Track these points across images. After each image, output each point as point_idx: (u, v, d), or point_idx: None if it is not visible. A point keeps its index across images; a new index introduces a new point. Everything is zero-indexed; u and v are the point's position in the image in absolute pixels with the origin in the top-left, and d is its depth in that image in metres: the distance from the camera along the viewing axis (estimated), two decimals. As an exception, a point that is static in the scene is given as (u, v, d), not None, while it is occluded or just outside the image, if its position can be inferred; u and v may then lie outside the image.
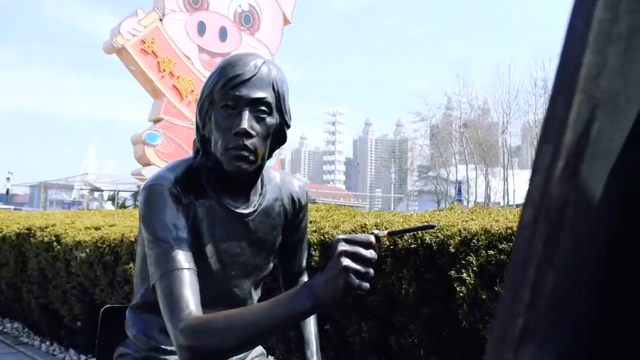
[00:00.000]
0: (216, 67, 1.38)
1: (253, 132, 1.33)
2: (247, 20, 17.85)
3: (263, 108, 1.34)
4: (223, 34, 17.24)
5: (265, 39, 17.96)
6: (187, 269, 1.28)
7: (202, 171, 1.44)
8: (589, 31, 0.37)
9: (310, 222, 2.82)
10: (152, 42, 15.25)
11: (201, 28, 16.59)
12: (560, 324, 0.47)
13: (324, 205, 3.74)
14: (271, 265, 1.62)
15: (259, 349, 1.74)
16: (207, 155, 1.43)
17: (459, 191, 43.46)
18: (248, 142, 1.32)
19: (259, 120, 1.34)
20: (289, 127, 1.43)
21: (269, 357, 3.06)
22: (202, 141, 1.43)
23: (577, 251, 0.45)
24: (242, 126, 1.30)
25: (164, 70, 15.33)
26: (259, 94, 1.33)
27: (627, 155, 0.48)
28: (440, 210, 2.68)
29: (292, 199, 1.59)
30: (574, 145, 0.38)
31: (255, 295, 1.60)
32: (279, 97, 1.37)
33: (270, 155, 1.45)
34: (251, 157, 1.34)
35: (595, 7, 0.37)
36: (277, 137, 1.42)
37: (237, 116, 1.32)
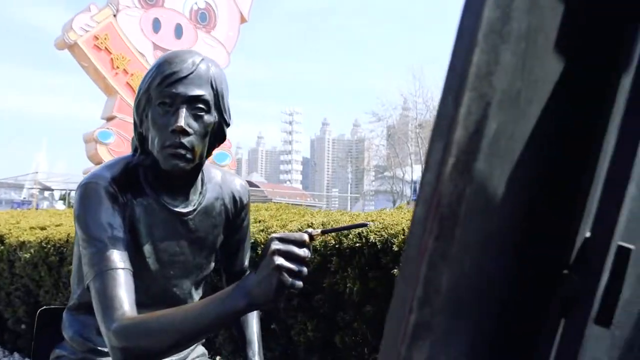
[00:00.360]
0: (153, 64, 1.36)
1: (190, 130, 1.31)
2: (203, 17, 17.67)
3: (201, 106, 1.32)
4: (178, 31, 17.02)
5: (221, 37, 17.81)
6: (122, 268, 1.26)
7: (141, 169, 1.42)
8: (479, 29, 0.37)
9: (259, 222, 2.81)
10: (105, 39, 14.94)
11: (156, 25, 16.33)
12: (461, 320, 0.48)
13: (274, 204, 3.73)
14: (212, 264, 1.61)
15: (201, 350, 1.72)
16: (145, 154, 1.41)
17: (415, 191, 43.95)
18: (185, 140, 1.31)
19: (197, 118, 1.33)
20: (228, 125, 1.42)
21: (217, 357, 3.03)
22: (140, 139, 1.41)
23: (477, 248, 0.46)
24: (179, 124, 1.29)
25: (117, 67, 15.05)
26: (197, 92, 1.31)
27: (534, 155, 0.49)
28: (387, 210, 2.70)
29: (234, 197, 1.58)
30: (465, 142, 0.38)
31: (197, 294, 1.58)
32: (218, 95, 1.36)
33: (209, 154, 1.43)
34: (188, 156, 1.32)
35: (485, 6, 0.37)
36: (216, 135, 1.40)
37: (174, 114, 1.31)
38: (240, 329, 1.69)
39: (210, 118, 1.35)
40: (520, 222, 0.48)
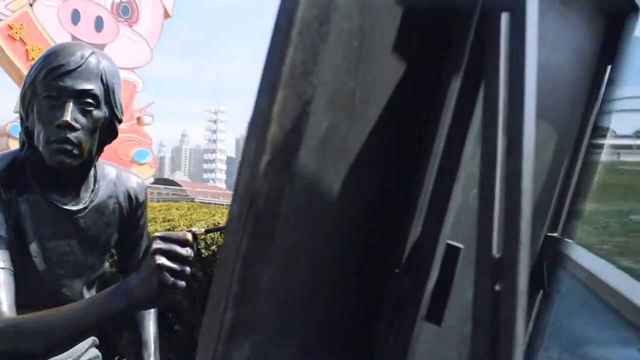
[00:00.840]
0: (40, 56, 1.31)
1: (77, 125, 1.27)
2: (126, 11, 17.21)
3: (89, 100, 1.29)
4: (99, 24, 16.51)
5: (144, 32, 17.40)
6: (2, 268, 1.21)
7: (28, 165, 1.36)
8: (292, 28, 0.37)
9: (167, 221, 2.76)
10: (20, 28, 14.34)
11: (75, 16, 15.78)
12: (296, 319, 0.48)
13: (186, 203, 3.68)
14: (106, 264, 1.57)
15: (94, 352, 1.67)
16: (32, 149, 1.35)
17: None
18: (71, 136, 1.26)
19: (85, 113, 1.29)
20: (120, 121, 1.39)
21: None
22: (27, 133, 1.35)
23: (310, 247, 0.46)
24: (65, 118, 1.24)
25: (32, 58, 14.43)
26: (85, 86, 1.27)
27: (372, 155, 0.50)
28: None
29: (129, 196, 1.54)
30: (281, 140, 0.38)
31: (89, 295, 1.53)
32: (108, 90, 1.32)
33: (100, 150, 1.39)
34: (75, 151, 1.28)
35: (298, 5, 0.37)
36: (107, 131, 1.37)
37: (60, 108, 1.26)
38: (136, 331, 1.65)
39: (99, 113, 1.31)
40: (357, 221, 0.49)
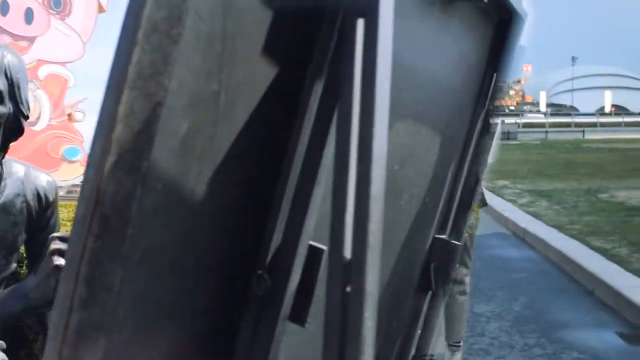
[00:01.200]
0: (-59, 50, 1.26)
1: None
2: (57, 3, 16.65)
3: None
4: (29, 16, 15.92)
5: (77, 26, 16.86)
6: None
7: None
8: (138, 29, 0.37)
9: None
10: (-57, 19, 13.72)
11: (4, 7, 15.17)
12: (161, 321, 0.48)
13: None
14: (13, 265, 1.52)
15: (0, 356, 1.62)
16: None
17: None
18: None
19: None
20: (26, 117, 1.35)
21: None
22: None
23: (170, 248, 0.46)
24: None
25: (-43, 50, 13.79)
26: None
27: (240, 157, 0.50)
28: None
29: (38, 195, 1.50)
30: (129, 141, 0.38)
31: (-5, 297, 1.48)
32: (13, 85, 1.29)
33: (5, 148, 1.35)
34: None
35: (145, 6, 0.37)
36: (12, 128, 1.33)
37: None
38: (48, 333, 1.61)
39: (3, 109, 1.28)
40: (222, 221, 0.49)
